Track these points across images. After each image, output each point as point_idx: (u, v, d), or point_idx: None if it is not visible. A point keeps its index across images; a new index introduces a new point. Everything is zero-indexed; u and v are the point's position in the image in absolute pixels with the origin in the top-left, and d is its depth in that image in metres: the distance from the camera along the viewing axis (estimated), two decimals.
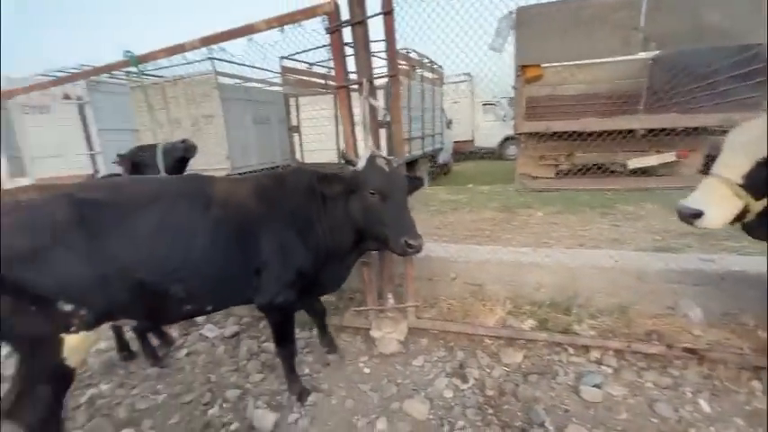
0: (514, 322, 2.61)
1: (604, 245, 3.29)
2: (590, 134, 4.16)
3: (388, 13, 2.17)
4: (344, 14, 2.22)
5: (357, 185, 1.94)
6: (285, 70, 6.73)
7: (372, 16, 2.21)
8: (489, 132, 12.98)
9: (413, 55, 6.99)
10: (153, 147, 2.90)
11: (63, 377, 1.64)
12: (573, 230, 3.64)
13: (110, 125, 6.65)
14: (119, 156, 3.04)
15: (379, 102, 2.26)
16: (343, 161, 2.14)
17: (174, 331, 3.01)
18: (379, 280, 2.66)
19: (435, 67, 8.31)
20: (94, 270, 1.58)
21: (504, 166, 7.94)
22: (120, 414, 2.20)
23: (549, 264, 2.71)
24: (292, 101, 6.77)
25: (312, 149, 6.79)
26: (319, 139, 6.58)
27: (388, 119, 2.42)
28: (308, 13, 2.30)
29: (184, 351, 2.81)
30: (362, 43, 2.25)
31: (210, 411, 2.19)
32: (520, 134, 5.86)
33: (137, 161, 2.93)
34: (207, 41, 2.64)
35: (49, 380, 1.61)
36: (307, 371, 2.45)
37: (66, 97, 6.25)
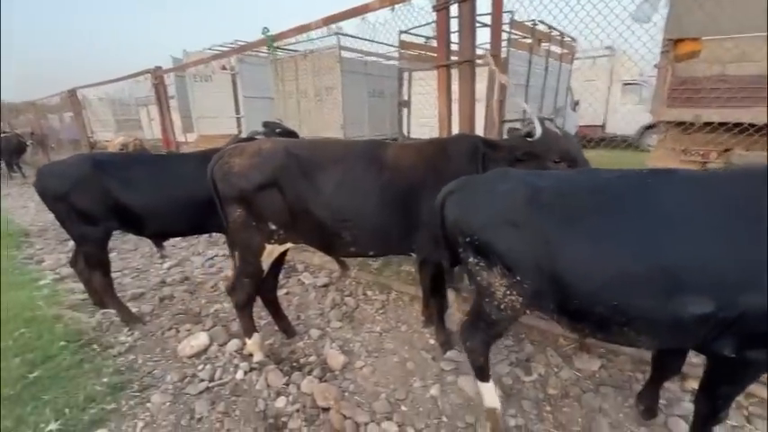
0: None
1: None
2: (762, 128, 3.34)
3: None
4: None
5: (536, 155, 1.88)
6: (403, 45, 6.83)
7: None
8: (627, 117, 11.13)
9: (540, 27, 6.36)
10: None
11: (258, 273, 2.21)
12: None
13: (252, 93, 7.77)
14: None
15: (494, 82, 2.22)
16: (523, 133, 2.05)
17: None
18: None
19: (566, 40, 7.42)
20: (298, 204, 2.01)
21: (636, 158, 6.81)
22: (233, 327, 2.78)
23: None
24: (405, 75, 6.87)
25: (421, 124, 6.87)
26: (428, 114, 6.60)
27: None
28: None
29: (284, 290, 3.34)
30: (468, 21, 2.23)
31: (298, 344, 2.62)
32: (660, 122, 4.98)
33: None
34: (328, 21, 2.91)
35: (250, 275, 2.21)
36: (377, 329, 2.70)
37: (223, 68, 7.50)
